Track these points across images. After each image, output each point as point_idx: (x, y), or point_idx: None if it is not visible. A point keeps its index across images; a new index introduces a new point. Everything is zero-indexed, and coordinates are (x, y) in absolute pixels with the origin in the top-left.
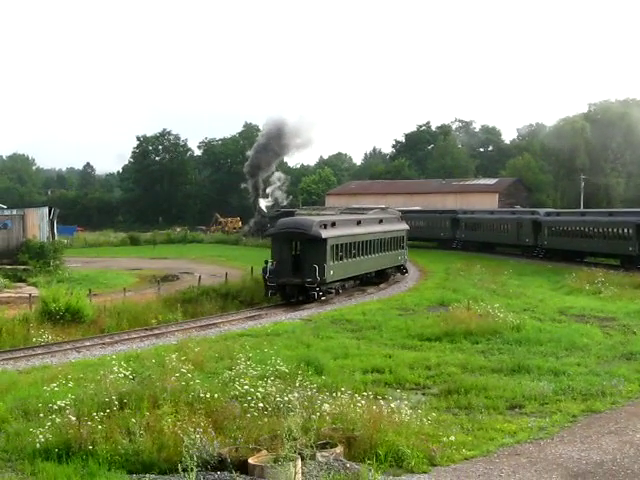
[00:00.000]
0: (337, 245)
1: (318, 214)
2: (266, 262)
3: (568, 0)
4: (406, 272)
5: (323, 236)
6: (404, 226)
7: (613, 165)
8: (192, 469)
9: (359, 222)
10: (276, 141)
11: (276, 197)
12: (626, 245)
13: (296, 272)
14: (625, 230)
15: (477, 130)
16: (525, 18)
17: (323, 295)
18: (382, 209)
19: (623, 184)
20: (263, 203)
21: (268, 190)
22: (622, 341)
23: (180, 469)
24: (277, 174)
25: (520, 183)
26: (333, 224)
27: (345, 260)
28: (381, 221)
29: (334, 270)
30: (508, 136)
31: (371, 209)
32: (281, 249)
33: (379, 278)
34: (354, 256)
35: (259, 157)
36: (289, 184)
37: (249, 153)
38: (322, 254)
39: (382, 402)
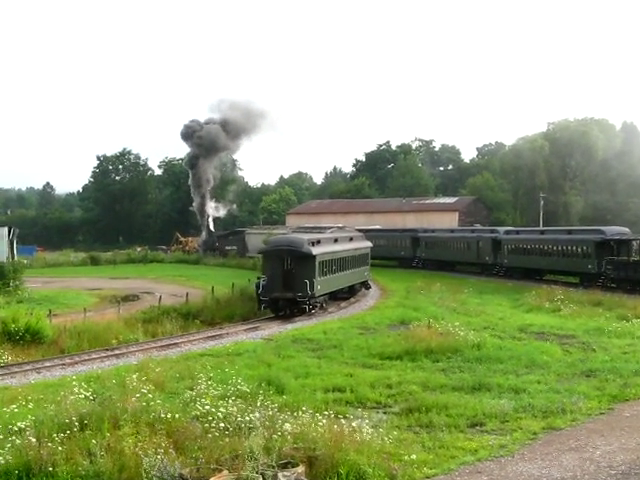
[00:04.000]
0: (323, 262)
1: (270, 233)
2: (258, 278)
3: (527, 20)
4: (370, 287)
5: (313, 253)
6: (368, 244)
7: (572, 184)
8: None
9: (336, 240)
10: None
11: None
12: (585, 263)
13: (287, 287)
14: (584, 248)
15: (437, 149)
16: (485, 38)
17: (313, 308)
18: (339, 228)
19: (582, 202)
20: (211, 222)
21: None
22: (582, 358)
23: None
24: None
25: (480, 202)
26: (318, 242)
27: (329, 275)
28: (351, 239)
29: (321, 285)
30: (468, 155)
31: (328, 228)
32: (273, 266)
33: (349, 293)
34: (334, 272)
35: (203, 145)
36: (250, 203)
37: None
38: (312, 270)
39: (343, 421)
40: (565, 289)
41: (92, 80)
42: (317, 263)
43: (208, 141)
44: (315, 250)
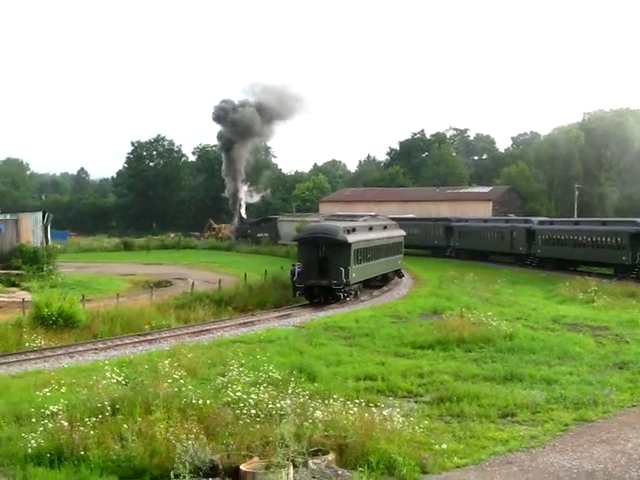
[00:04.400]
0: (358, 250)
1: (302, 220)
2: (293, 265)
3: (565, 10)
4: (403, 276)
5: (349, 241)
6: (402, 232)
7: (607, 174)
8: (184, 476)
9: (370, 228)
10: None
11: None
12: (620, 254)
13: (323, 274)
14: (619, 239)
15: (472, 138)
16: (522, 27)
17: (347, 296)
18: (372, 216)
19: (617, 193)
20: (243, 209)
21: (242, 195)
22: (615, 350)
23: (172, 476)
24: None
25: (514, 192)
26: (354, 230)
27: (363, 263)
28: (385, 227)
29: (356, 273)
30: (503, 144)
31: (361, 216)
32: (308, 253)
33: (382, 281)
34: (369, 260)
35: (237, 128)
36: (283, 191)
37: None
38: (347, 258)
39: (374, 410)
40: (599, 280)
41: (127, 66)
42: (352, 251)
43: (243, 125)
44: (350, 238)
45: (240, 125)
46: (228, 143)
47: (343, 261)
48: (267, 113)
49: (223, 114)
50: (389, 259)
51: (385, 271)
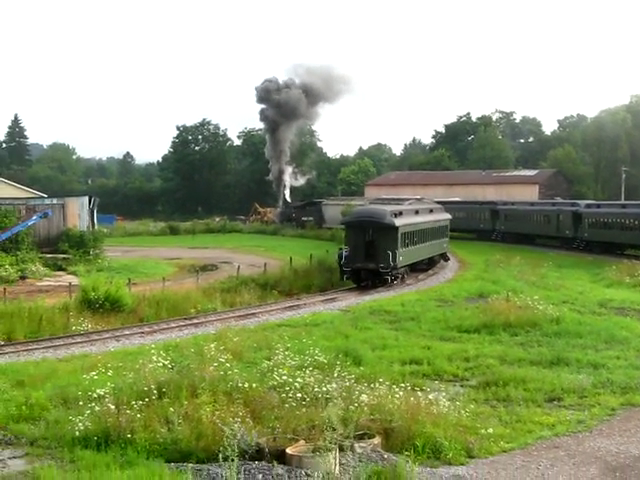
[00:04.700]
0: (405, 233)
1: (347, 204)
2: (340, 249)
3: None
4: (448, 259)
5: (396, 224)
6: (448, 216)
7: None
8: (233, 459)
9: (417, 212)
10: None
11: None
12: None
13: (370, 258)
14: None
15: (518, 121)
16: (568, 9)
17: (394, 279)
18: (417, 200)
19: None
20: (287, 193)
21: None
22: None
23: (221, 458)
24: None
25: (560, 175)
26: (400, 213)
27: (410, 247)
28: (431, 211)
29: (403, 256)
30: (549, 127)
31: (406, 200)
32: (355, 236)
33: (428, 265)
34: (415, 243)
35: (283, 110)
36: (329, 174)
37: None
38: (394, 241)
39: (420, 394)
40: None
41: (172, 50)
42: (399, 234)
43: (289, 107)
44: (397, 221)
45: (285, 106)
46: (273, 124)
47: (390, 244)
48: (312, 95)
49: (267, 94)
50: (435, 242)
51: (431, 254)
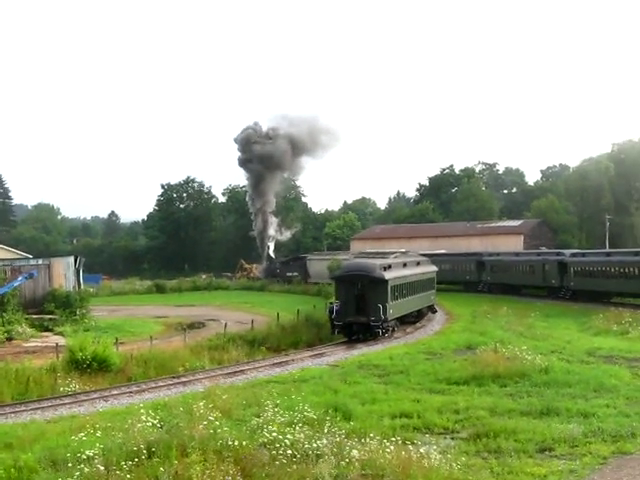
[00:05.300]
0: (394, 286)
1: (333, 259)
2: (331, 303)
3: (592, 39)
4: (436, 311)
5: (386, 277)
6: (434, 268)
7: (638, 205)
8: None
9: (405, 264)
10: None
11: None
12: None
13: (361, 311)
14: None
15: (501, 172)
16: (548, 59)
17: (385, 332)
18: (403, 253)
19: None
20: (272, 248)
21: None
22: None
23: None
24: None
25: (545, 224)
26: (389, 266)
27: (399, 300)
28: (418, 263)
29: (393, 309)
30: (532, 177)
31: (391, 253)
32: (346, 291)
33: (417, 317)
34: (404, 296)
35: (264, 168)
36: (314, 229)
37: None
38: (384, 294)
39: (411, 447)
40: (633, 311)
41: (155, 110)
42: (389, 287)
43: (274, 159)
44: (387, 275)
45: (270, 158)
46: (257, 176)
47: (380, 298)
48: (297, 147)
49: (248, 144)
50: (423, 295)
51: (420, 307)
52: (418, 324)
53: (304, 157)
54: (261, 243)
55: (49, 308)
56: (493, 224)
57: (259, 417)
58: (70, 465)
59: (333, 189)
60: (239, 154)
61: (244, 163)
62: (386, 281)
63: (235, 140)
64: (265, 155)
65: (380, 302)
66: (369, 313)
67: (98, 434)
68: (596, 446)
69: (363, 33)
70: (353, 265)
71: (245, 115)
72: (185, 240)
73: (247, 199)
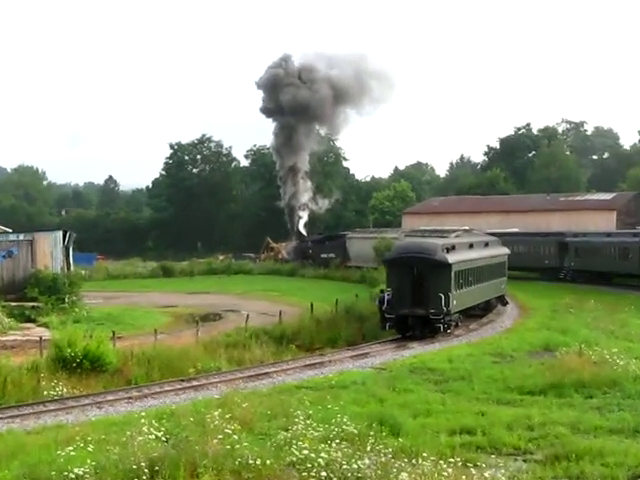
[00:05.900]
0: (459, 272)
1: (382, 237)
2: (382, 291)
3: None
4: (507, 303)
5: (449, 261)
6: (506, 250)
7: None
8: None
9: (471, 245)
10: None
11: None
12: None
13: (418, 302)
14: None
15: (590, 133)
16: None
17: (448, 328)
18: (465, 231)
19: None
20: (303, 222)
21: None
22: None
23: None
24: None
25: None
26: (453, 247)
27: (465, 289)
28: (487, 244)
29: (457, 300)
30: (628, 140)
31: (452, 231)
32: (400, 276)
33: (484, 310)
34: (470, 284)
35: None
36: (357, 201)
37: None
38: (447, 281)
39: (473, 470)
40: None
41: (164, 52)
42: (453, 273)
43: (311, 107)
44: (451, 258)
45: (306, 105)
46: (287, 128)
47: (443, 286)
48: (339, 94)
49: (275, 87)
50: (492, 283)
51: (488, 297)
52: (484, 319)
53: (348, 109)
54: (290, 214)
55: (32, 294)
56: (579, 197)
57: (287, 431)
58: None
59: (381, 152)
60: (263, 101)
61: (271, 112)
62: (449, 265)
63: (258, 84)
64: (299, 102)
65: (442, 291)
66: (428, 304)
67: (89, 448)
68: None
69: None
70: (409, 245)
71: (271, 55)
72: (198, 213)
73: (274, 158)
